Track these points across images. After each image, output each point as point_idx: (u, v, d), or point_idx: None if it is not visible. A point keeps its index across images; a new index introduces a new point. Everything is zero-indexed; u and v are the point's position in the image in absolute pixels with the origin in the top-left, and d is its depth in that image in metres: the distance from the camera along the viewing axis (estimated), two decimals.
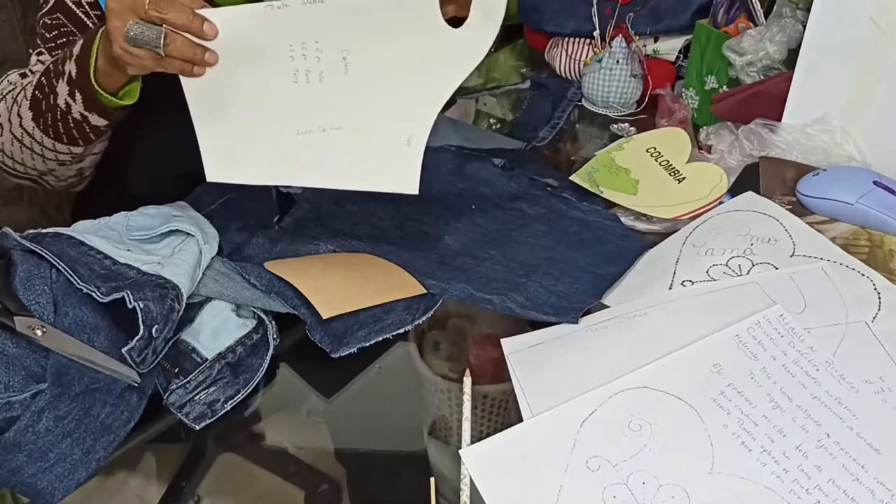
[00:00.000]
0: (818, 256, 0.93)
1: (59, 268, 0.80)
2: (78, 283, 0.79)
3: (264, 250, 0.99)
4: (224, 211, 1.05)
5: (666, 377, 0.79)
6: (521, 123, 1.31)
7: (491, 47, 1.56)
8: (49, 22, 1.02)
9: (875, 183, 1.00)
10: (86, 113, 0.91)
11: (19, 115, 0.92)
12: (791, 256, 0.94)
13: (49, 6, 1.04)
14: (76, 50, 0.89)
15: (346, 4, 0.82)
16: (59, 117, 0.91)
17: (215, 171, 0.87)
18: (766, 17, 1.18)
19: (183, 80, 0.83)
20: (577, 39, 1.42)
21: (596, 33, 1.36)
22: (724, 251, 0.95)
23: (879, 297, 0.88)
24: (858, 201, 0.99)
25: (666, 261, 0.96)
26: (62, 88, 0.90)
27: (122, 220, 0.94)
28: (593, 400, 0.77)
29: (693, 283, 0.92)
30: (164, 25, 0.79)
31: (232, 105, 0.85)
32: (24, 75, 1.01)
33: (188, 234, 0.92)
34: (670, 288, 0.92)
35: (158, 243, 0.92)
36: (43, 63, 1.00)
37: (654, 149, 1.17)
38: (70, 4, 1.03)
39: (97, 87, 0.89)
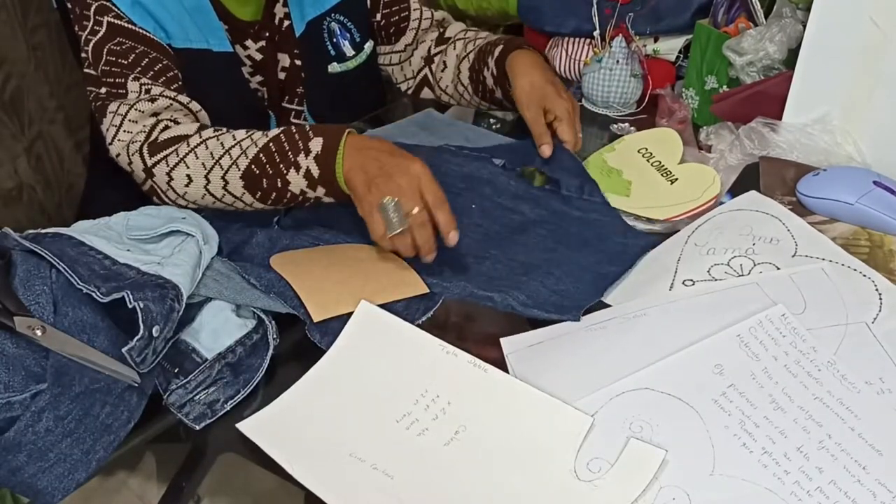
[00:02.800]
0: (820, 257, 0.93)
1: (59, 268, 0.80)
2: (78, 283, 0.79)
3: (264, 250, 0.99)
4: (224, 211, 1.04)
5: (667, 378, 0.79)
6: (521, 123, 1.30)
7: None
8: (117, 49, 1.04)
9: (875, 183, 1.00)
10: (323, 198, 0.96)
11: (224, 180, 0.96)
12: (793, 256, 0.94)
13: (103, 32, 1.05)
14: (315, 148, 0.94)
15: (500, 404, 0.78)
16: (286, 197, 0.96)
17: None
18: (766, 17, 1.19)
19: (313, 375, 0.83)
20: (577, 39, 1.42)
21: (596, 33, 1.36)
22: (725, 250, 0.95)
23: (881, 298, 0.88)
24: (858, 201, 0.99)
25: (667, 260, 0.96)
26: (297, 180, 0.95)
27: (121, 221, 0.94)
28: (595, 402, 0.77)
29: (694, 282, 0.92)
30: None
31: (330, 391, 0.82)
32: (151, 100, 1.03)
33: (188, 234, 0.92)
34: (671, 288, 0.92)
35: (158, 243, 0.92)
36: (149, 89, 1.03)
37: (646, 149, 1.17)
38: (126, 26, 1.05)
39: (344, 188, 0.94)
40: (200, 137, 0.98)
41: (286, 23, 1.19)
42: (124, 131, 1.01)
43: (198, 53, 1.11)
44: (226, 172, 0.95)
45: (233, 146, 0.96)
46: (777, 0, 1.18)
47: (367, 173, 0.92)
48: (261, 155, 0.95)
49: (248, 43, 1.17)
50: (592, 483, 0.70)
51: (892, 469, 0.70)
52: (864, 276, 0.91)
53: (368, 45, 1.30)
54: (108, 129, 1.02)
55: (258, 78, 1.19)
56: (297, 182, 0.95)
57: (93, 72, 1.05)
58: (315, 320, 0.86)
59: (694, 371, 0.80)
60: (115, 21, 1.05)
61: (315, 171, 0.94)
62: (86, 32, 1.06)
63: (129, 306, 0.77)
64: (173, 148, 0.97)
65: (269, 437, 0.76)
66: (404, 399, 0.79)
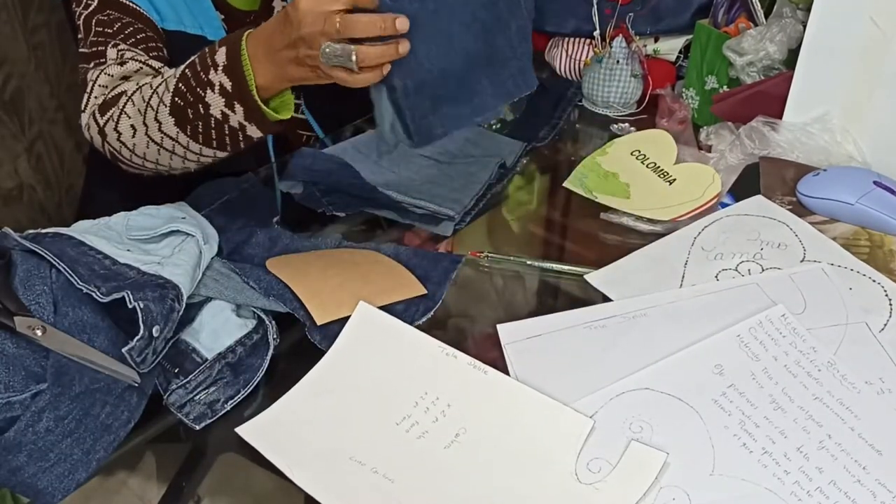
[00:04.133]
0: (829, 262, 0.93)
1: (59, 268, 0.80)
2: (78, 283, 0.79)
3: (264, 250, 0.99)
4: (224, 211, 1.05)
5: (667, 378, 0.79)
6: (521, 123, 1.31)
7: None
8: (105, 19, 1.04)
9: (875, 183, 1.00)
10: (245, 123, 0.92)
11: (157, 121, 0.93)
12: (801, 262, 0.94)
13: (94, 5, 1.06)
14: (220, 59, 0.90)
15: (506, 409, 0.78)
16: (212, 125, 0.92)
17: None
18: (766, 17, 1.19)
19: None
20: (577, 39, 1.42)
21: (596, 33, 1.36)
22: (733, 255, 0.95)
23: (891, 304, 0.88)
24: (858, 201, 0.99)
25: (674, 262, 0.95)
26: (215, 100, 0.91)
27: (121, 221, 0.94)
28: (595, 402, 0.77)
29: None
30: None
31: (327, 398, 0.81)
32: (121, 63, 1.01)
33: (188, 234, 0.91)
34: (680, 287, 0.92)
35: (158, 243, 0.92)
36: (123, 53, 1.02)
37: (639, 151, 1.17)
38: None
39: (260, 103, 0.91)
40: (136, 84, 0.96)
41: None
42: (94, 97, 1.00)
43: (192, 38, 1.11)
44: (157, 112, 0.93)
45: (159, 84, 0.94)
46: (777, 0, 1.18)
47: (277, 65, 0.88)
48: (179, 84, 0.93)
49: None
50: (594, 486, 0.70)
51: (892, 469, 0.70)
52: (874, 280, 0.91)
53: None
54: (83, 100, 1.01)
55: None
56: (215, 103, 0.91)
57: (83, 49, 1.05)
58: (318, 323, 0.85)
59: (694, 371, 0.80)
60: None
61: (227, 85, 0.90)
62: (80, 8, 1.07)
63: (130, 306, 0.77)
64: (116, 103, 0.96)
65: (269, 442, 0.76)
66: (404, 401, 0.79)
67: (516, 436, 0.75)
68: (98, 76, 1.01)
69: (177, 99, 0.93)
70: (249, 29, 0.92)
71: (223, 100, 0.91)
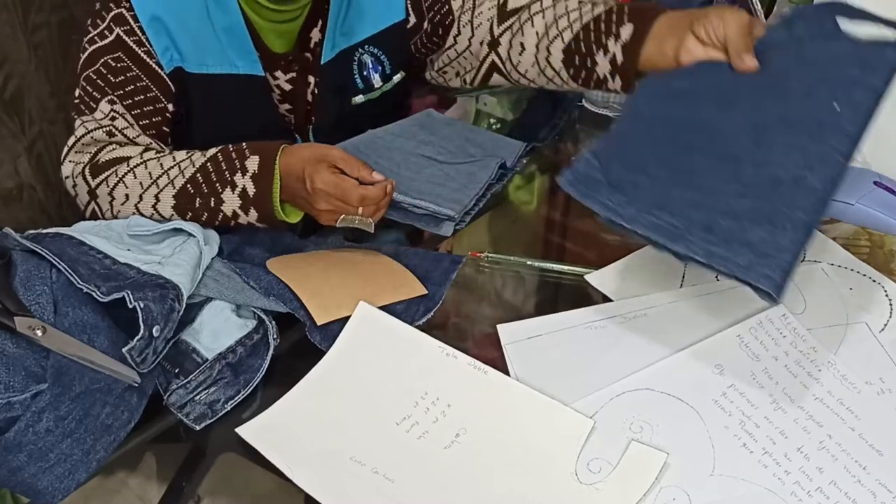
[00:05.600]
0: (829, 262, 0.93)
1: (60, 268, 0.80)
2: (78, 283, 0.79)
3: (264, 250, 0.99)
4: None
5: (667, 378, 0.79)
6: (521, 123, 1.31)
7: None
8: (112, 64, 1.03)
9: (875, 183, 1.00)
10: (254, 223, 0.96)
11: (156, 198, 0.95)
12: (802, 262, 0.93)
13: (109, 42, 1.03)
14: (251, 167, 0.94)
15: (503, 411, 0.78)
16: (217, 218, 0.96)
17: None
18: (766, 17, 1.18)
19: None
20: None
21: None
22: None
23: (891, 304, 0.88)
24: (858, 201, 0.99)
25: (674, 262, 0.94)
26: (231, 199, 0.94)
27: (122, 220, 0.94)
28: (595, 402, 0.77)
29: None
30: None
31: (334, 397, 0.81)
32: (110, 133, 1.02)
33: (189, 234, 0.92)
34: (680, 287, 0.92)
35: (159, 243, 0.92)
36: (115, 119, 1.02)
37: None
38: (132, 46, 1.03)
39: (280, 217, 0.95)
40: (141, 158, 0.97)
41: (319, 49, 1.14)
42: (75, 152, 1.01)
43: (219, 78, 1.08)
44: (160, 191, 0.95)
45: (171, 167, 0.96)
46: (777, 0, 1.18)
47: (302, 198, 0.94)
48: (198, 175, 0.95)
49: (278, 74, 1.13)
50: (594, 486, 0.70)
51: (892, 469, 0.70)
52: (874, 280, 0.91)
53: (398, 77, 1.22)
54: (64, 149, 1.02)
55: (286, 106, 1.16)
56: (230, 202, 0.94)
57: (80, 72, 1.04)
58: (319, 323, 0.85)
59: (694, 371, 0.80)
60: (124, 37, 1.02)
61: (251, 191, 0.94)
62: (94, 33, 1.04)
63: (130, 306, 0.77)
64: (113, 168, 0.97)
65: (269, 442, 0.76)
66: (404, 401, 0.79)
67: (516, 436, 0.75)
68: (82, 135, 1.01)
69: (189, 186, 0.95)
70: (285, 144, 0.96)
71: (240, 202, 0.94)
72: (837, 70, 0.81)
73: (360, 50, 1.17)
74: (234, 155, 0.95)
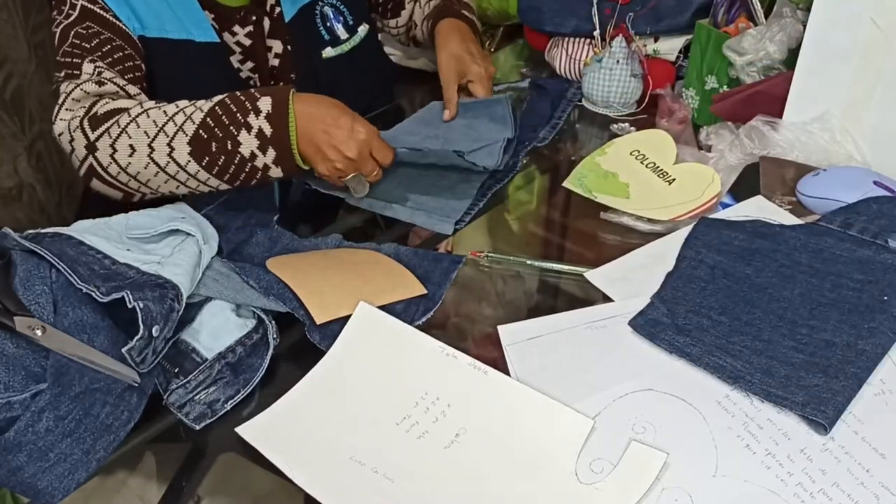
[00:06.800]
0: None
1: (59, 268, 0.80)
2: (78, 283, 0.79)
3: (264, 250, 0.99)
4: (224, 211, 1.05)
5: (670, 379, 0.79)
6: (521, 123, 1.30)
7: (491, 47, 1.56)
8: (84, 32, 1.05)
9: (875, 183, 1.00)
10: (271, 165, 0.97)
11: (170, 146, 0.95)
12: None
13: (76, 16, 1.06)
14: (264, 107, 0.96)
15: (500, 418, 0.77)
16: (234, 161, 0.96)
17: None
18: (766, 17, 1.18)
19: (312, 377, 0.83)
20: (577, 39, 1.42)
21: (596, 33, 1.36)
22: None
23: None
24: (858, 201, 0.99)
25: (672, 260, 0.95)
26: (248, 140, 0.96)
27: (121, 220, 0.94)
28: (598, 404, 0.77)
29: None
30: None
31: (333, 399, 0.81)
32: (100, 83, 1.02)
33: (188, 233, 0.91)
34: None
35: (158, 243, 0.92)
36: (101, 72, 1.03)
37: (638, 151, 1.16)
38: (98, 11, 1.06)
39: (296, 153, 0.98)
40: (142, 108, 0.98)
41: (277, 9, 1.20)
42: (66, 109, 1.00)
43: (178, 44, 1.11)
44: (171, 139, 0.95)
45: (176, 113, 0.96)
46: (777, 0, 1.18)
47: (315, 144, 0.97)
48: (208, 119, 0.95)
49: (236, 29, 1.17)
50: (594, 486, 0.70)
51: (895, 472, 0.70)
52: None
53: (363, 29, 1.31)
54: (54, 110, 1.02)
55: (249, 65, 1.19)
56: (248, 143, 0.95)
57: (59, 58, 1.05)
58: (318, 322, 0.85)
59: (697, 372, 0.80)
60: (88, 5, 1.06)
61: (267, 130, 0.95)
62: (60, 16, 1.07)
63: (129, 306, 0.77)
64: (114, 119, 0.97)
65: (269, 442, 0.76)
66: (404, 401, 0.79)
67: (516, 436, 0.75)
68: (72, 90, 1.01)
69: (201, 131, 0.95)
70: (292, 87, 0.99)
71: (258, 142, 0.95)
72: (887, 275, 0.90)
73: (321, 3, 1.26)
74: (243, 98, 0.97)
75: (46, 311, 0.77)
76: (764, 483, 0.69)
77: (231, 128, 0.95)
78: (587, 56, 1.39)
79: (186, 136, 0.95)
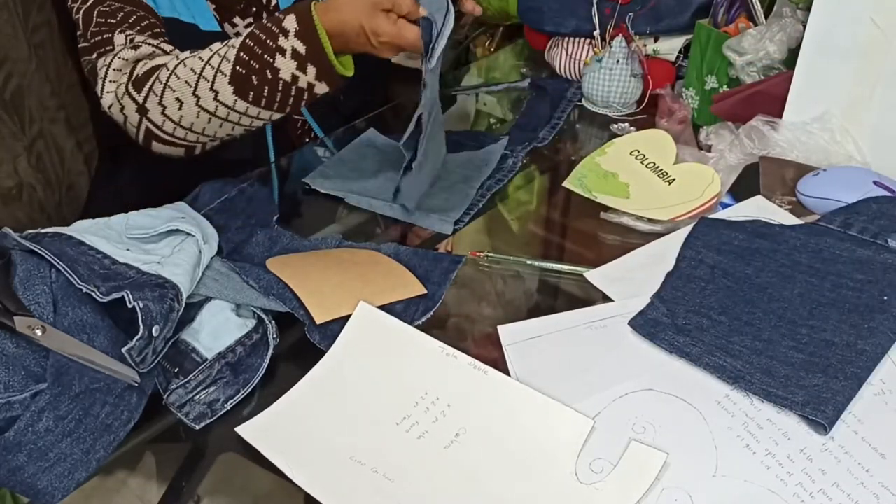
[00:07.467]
0: None
1: (59, 268, 0.79)
2: (78, 283, 0.79)
3: (264, 249, 0.99)
4: (224, 210, 1.05)
5: (670, 379, 0.79)
6: (521, 123, 1.31)
7: (491, 47, 1.56)
8: (107, 9, 1.07)
9: (875, 183, 1.00)
10: (315, 82, 0.98)
11: (213, 90, 0.97)
12: None
13: None
14: (291, 26, 0.97)
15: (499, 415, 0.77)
16: (279, 88, 0.98)
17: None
18: (766, 17, 1.18)
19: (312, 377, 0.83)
20: (577, 39, 1.42)
21: (596, 33, 1.36)
22: None
23: None
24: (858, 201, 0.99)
25: (672, 260, 0.95)
26: (285, 64, 0.97)
27: (121, 220, 0.93)
28: (597, 404, 0.77)
29: None
30: None
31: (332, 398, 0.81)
32: (136, 47, 1.04)
33: (188, 233, 0.91)
34: None
35: (158, 243, 0.92)
36: (132, 38, 1.05)
37: (638, 151, 1.16)
38: None
39: (335, 62, 0.97)
40: (178, 59, 0.99)
41: (273, 2, 1.20)
42: (110, 81, 1.02)
43: (186, 27, 1.13)
44: (213, 83, 0.97)
45: (211, 56, 0.98)
46: (777, 0, 1.18)
47: (358, 43, 0.97)
48: (241, 54, 0.97)
49: (237, 20, 1.18)
50: (594, 486, 0.70)
51: (895, 472, 0.70)
52: None
53: None
54: (98, 86, 1.04)
55: None
56: (286, 67, 0.96)
57: (84, 42, 1.07)
58: (318, 322, 0.85)
59: (697, 372, 0.80)
60: None
61: (301, 49, 0.96)
62: (78, 3, 1.08)
63: (129, 306, 0.77)
64: (155, 76, 0.99)
65: (269, 442, 0.76)
66: (404, 401, 0.79)
67: (516, 436, 0.75)
68: (111, 61, 1.03)
69: (238, 67, 0.96)
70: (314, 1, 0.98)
71: (295, 63, 0.96)
72: (886, 275, 0.90)
73: None
74: (269, 23, 0.98)
75: (46, 311, 0.77)
76: (764, 483, 0.69)
77: (265, 56, 0.96)
78: (587, 56, 1.39)
79: (226, 76, 0.96)
